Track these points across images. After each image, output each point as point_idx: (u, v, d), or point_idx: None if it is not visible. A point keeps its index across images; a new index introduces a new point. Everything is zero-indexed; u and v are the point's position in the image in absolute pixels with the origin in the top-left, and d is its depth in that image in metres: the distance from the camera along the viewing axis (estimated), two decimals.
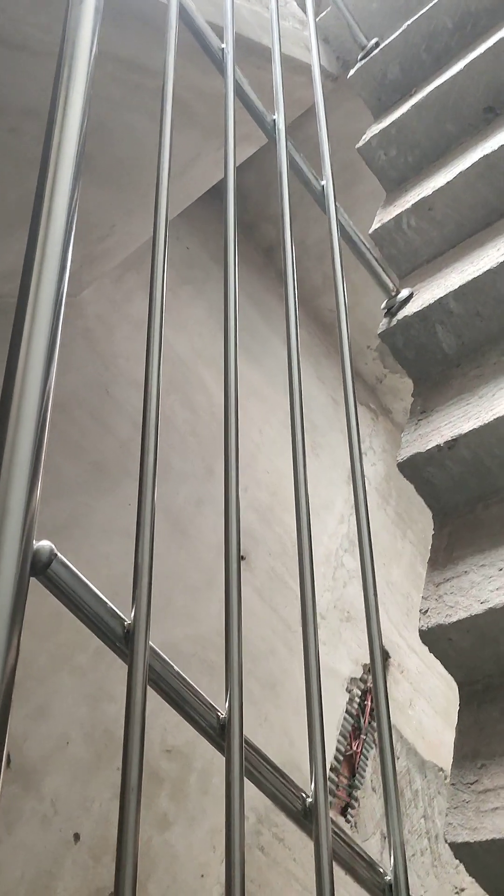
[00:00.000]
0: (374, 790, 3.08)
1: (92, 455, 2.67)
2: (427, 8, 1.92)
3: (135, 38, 1.69)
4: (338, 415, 4.03)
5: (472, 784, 1.12)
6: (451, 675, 1.30)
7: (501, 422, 1.29)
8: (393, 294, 1.63)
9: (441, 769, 3.47)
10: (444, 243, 1.69)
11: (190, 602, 2.74)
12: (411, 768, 3.29)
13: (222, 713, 0.83)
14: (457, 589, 1.28)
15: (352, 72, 2.07)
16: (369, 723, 3.24)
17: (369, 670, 3.39)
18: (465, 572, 1.30)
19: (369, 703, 3.28)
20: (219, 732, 0.82)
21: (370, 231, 1.77)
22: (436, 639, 1.26)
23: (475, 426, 1.33)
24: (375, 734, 3.24)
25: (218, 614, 2.83)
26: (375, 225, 1.75)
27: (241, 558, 2.80)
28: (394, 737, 3.34)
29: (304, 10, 2.26)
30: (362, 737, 3.17)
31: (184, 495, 2.93)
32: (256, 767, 0.89)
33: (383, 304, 1.66)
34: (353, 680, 3.26)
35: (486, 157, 1.58)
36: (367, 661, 3.39)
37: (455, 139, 1.80)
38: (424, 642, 1.29)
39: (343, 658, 3.25)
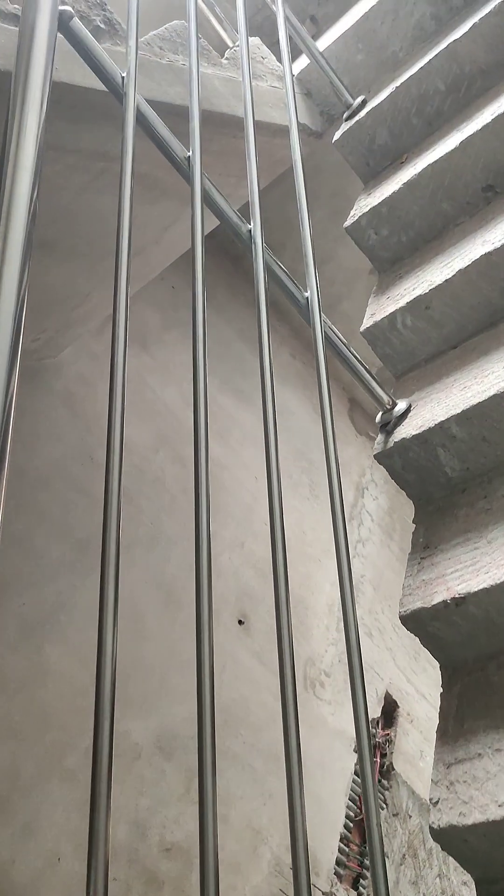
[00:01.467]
0: (388, 856, 2.97)
1: (77, 532, 2.53)
2: (416, 69, 1.76)
3: (96, 130, 1.53)
4: (339, 447, 3.87)
5: None
6: (467, 871, 1.16)
7: None
8: (388, 407, 1.48)
9: None
10: (444, 343, 1.54)
11: (187, 679, 2.61)
12: (424, 826, 3.17)
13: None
14: (470, 778, 1.14)
15: (337, 135, 1.91)
16: (379, 781, 3.12)
17: (378, 723, 3.27)
18: (479, 755, 1.16)
19: (378, 760, 3.16)
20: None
21: (361, 329, 1.62)
22: (449, 839, 1.13)
23: (487, 585, 1.19)
24: (386, 793, 3.12)
25: (218, 687, 2.71)
26: (367, 323, 1.60)
27: (239, 623, 2.61)
28: (405, 793, 3.23)
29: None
30: None
31: (175, 561, 2.79)
32: None
33: (378, 418, 1.51)
34: None
35: (487, 255, 1.42)
36: (377, 715, 3.27)
37: (452, 219, 1.64)
38: (436, 840, 1.15)
39: (350, 715, 3.12)
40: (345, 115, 1.95)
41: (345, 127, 1.90)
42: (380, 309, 1.60)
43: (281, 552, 1.05)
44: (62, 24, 1.19)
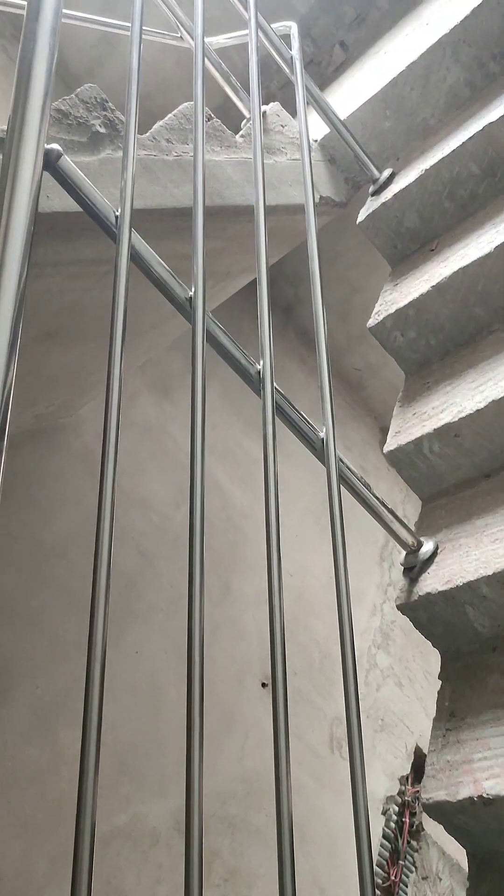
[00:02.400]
0: None
1: None
2: (448, 151, 1.60)
3: (96, 243, 1.42)
4: (370, 482, 3.74)
5: None
6: None
7: None
8: (413, 548, 1.36)
9: None
10: (475, 471, 1.40)
11: (208, 752, 2.52)
12: (455, 888, 3.08)
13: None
14: None
15: (361, 216, 1.77)
16: (408, 842, 3.03)
17: (408, 779, 3.16)
18: None
19: (407, 820, 3.06)
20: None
21: (385, 450, 1.49)
22: None
23: None
24: (416, 854, 3.03)
25: (238, 758, 2.62)
26: (391, 444, 1.47)
27: (263, 686, 2.49)
28: (434, 854, 3.13)
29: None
30: (401, 862, 2.95)
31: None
32: None
33: (402, 559, 1.38)
34: (389, 798, 3.03)
35: None
36: (405, 773, 3.16)
37: (486, 326, 1.49)
38: None
39: (378, 775, 3.03)
40: (371, 190, 1.81)
41: (370, 207, 1.76)
42: (405, 427, 1.47)
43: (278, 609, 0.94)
44: (49, 163, 1.08)
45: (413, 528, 1.42)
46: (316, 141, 1.90)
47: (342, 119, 1.86)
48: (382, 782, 3.04)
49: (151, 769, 2.35)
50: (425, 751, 3.31)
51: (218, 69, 1.75)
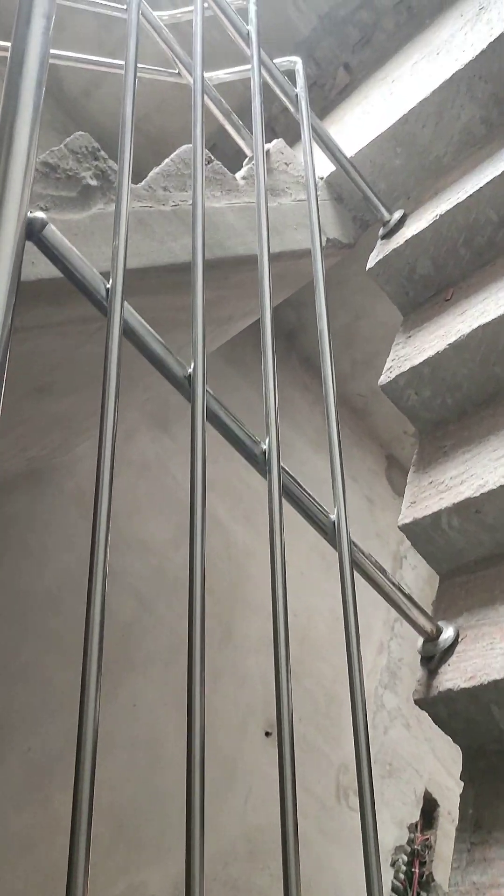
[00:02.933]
0: None
1: None
2: (464, 197, 1.50)
3: (87, 303, 1.31)
4: (372, 515, 3.64)
5: None
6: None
7: None
8: (431, 636, 1.25)
9: None
10: (499, 547, 1.30)
11: (211, 808, 2.41)
12: None
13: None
14: None
15: (371, 262, 1.66)
16: (419, 894, 2.91)
17: (417, 826, 3.05)
18: None
19: (417, 870, 2.94)
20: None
21: (399, 523, 1.38)
22: None
23: None
24: None
25: (241, 815, 2.51)
26: (406, 516, 1.36)
27: (266, 734, 2.36)
28: None
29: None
30: None
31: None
32: None
33: (419, 646, 1.27)
34: (398, 848, 2.92)
35: None
36: (415, 820, 3.05)
37: None
38: None
39: (386, 824, 2.91)
40: (381, 233, 1.70)
41: (380, 252, 1.65)
42: (421, 498, 1.36)
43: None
44: (32, 233, 0.97)
45: (430, 611, 1.31)
46: (322, 178, 1.79)
47: (350, 157, 1.76)
48: (391, 831, 2.92)
49: (151, 831, 2.24)
50: (434, 795, 3.20)
51: (218, 106, 1.65)
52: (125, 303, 1.02)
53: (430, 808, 3.14)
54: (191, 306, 1.05)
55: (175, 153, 1.47)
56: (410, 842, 2.98)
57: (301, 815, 2.57)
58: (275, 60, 1.64)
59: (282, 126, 3.05)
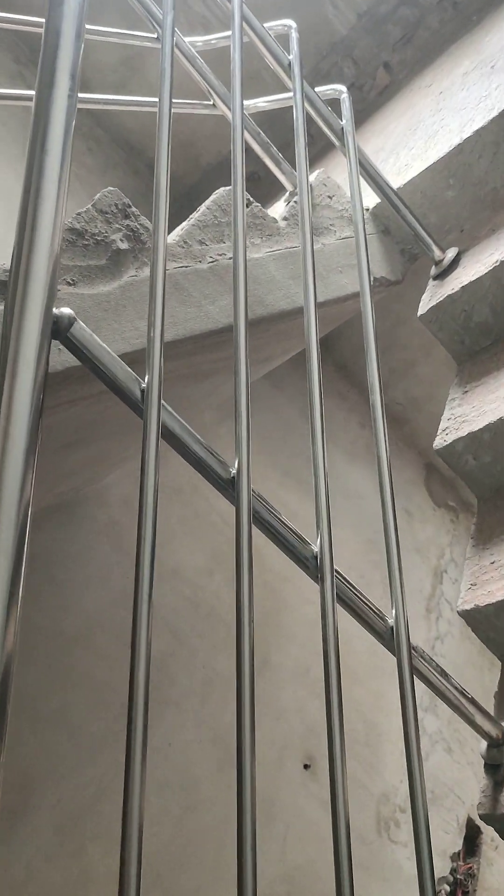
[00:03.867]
0: None
1: (122, 694, 2.26)
2: None
3: None
4: (411, 528, 3.52)
5: None
6: None
7: None
8: (498, 741, 1.14)
9: None
10: None
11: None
12: None
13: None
14: None
15: (422, 308, 1.54)
16: None
17: (459, 855, 2.96)
18: None
19: None
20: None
21: (458, 608, 1.27)
22: None
23: None
24: None
25: (280, 855, 2.44)
26: (467, 604, 1.25)
27: (305, 767, 2.26)
28: None
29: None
30: None
31: (233, 708, 2.50)
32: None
33: (482, 749, 1.17)
34: (440, 879, 2.84)
35: None
36: (458, 849, 2.96)
37: None
38: None
39: None
40: (433, 273, 1.57)
41: (433, 297, 1.53)
42: (483, 580, 1.25)
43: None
44: (59, 332, 0.87)
45: (494, 714, 1.21)
46: (368, 210, 1.66)
47: (399, 185, 1.63)
48: (434, 861, 2.84)
49: (187, 880, 2.17)
50: (477, 822, 3.11)
51: (256, 139, 1.52)
52: (163, 404, 0.92)
53: (472, 835, 3.05)
54: (234, 413, 0.94)
55: (211, 198, 1.36)
56: (453, 871, 2.90)
57: None
58: (317, 89, 1.51)
59: (319, 144, 2.91)
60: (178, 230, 1.30)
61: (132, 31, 1.47)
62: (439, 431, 1.41)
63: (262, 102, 1.59)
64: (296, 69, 1.38)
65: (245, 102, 1.58)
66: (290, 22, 1.45)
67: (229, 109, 1.50)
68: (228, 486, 0.96)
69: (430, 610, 3.39)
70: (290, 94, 1.43)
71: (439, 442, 1.38)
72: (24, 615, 2.22)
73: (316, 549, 1.02)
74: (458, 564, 3.64)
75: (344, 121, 1.47)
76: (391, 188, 1.54)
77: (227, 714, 2.48)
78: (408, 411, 3.65)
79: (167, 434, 0.94)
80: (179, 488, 2.72)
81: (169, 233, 1.33)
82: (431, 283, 1.57)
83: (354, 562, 3.10)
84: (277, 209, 1.60)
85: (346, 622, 2.80)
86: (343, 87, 1.52)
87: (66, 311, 0.87)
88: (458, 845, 2.96)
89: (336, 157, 2.44)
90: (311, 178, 1.60)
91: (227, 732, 2.45)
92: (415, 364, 3.46)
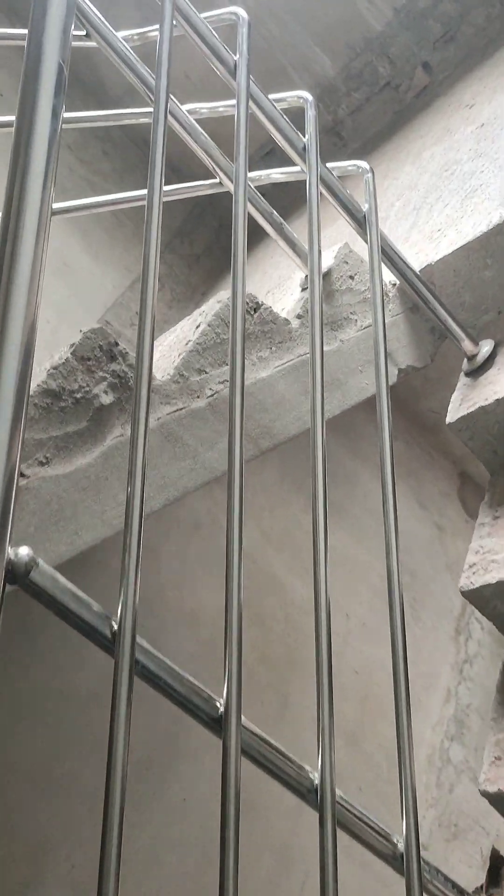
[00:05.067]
0: None
1: (138, 751, 2.20)
2: None
3: None
4: (443, 546, 3.39)
5: None
6: None
7: None
8: None
9: None
10: None
11: None
12: None
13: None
14: None
15: (452, 419, 1.38)
16: None
17: (482, 888, 2.91)
18: None
19: None
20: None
21: (482, 789, 1.16)
22: None
23: None
24: None
25: None
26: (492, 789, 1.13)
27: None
28: None
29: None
30: None
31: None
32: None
33: None
34: None
35: None
36: (482, 882, 2.91)
37: None
38: None
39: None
40: (465, 369, 1.42)
41: (464, 400, 1.37)
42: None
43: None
44: (17, 578, 0.76)
45: None
46: (394, 286, 1.49)
47: (431, 263, 1.45)
48: None
49: None
50: (501, 851, 3.06)
51: (268, 219, 1.35)
52: (139, 642, 0.80)
53: (496, 864, 2.99)
54: (225, 651, 0.82)
55: (213, 311, 1.21)
56: None
57: (360, 895, 2.45)
58: (336, 165, 1.34)
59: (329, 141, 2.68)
60: (174, 356, 1.16)
61: (129, 110, 1.31)
62: (467, 566, 1.27)
63: (276, 174, 1.41)
64: (312, 157, 1.20)
65: (252, 174, 1.41)
66: (307, 95, 1.26)
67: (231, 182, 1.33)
68: (216, 725, 0.85)
69: (459, 631, 3.28)
70: (304, 172, 1.26)
71: (466, 583, 1.24)
72: (36, 675, 2.14)
73: (316, 779, 0.91)
74: None
75: (366, 208, 1.29)
76: (418, 276, 1.37)
77: (246, 762, 2.41)
78: (441, 419, 3.47)
79: (146, 674, 0.82)
80: (198, 524, 2.62)
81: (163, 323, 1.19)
82: (463, 379, 1.41)
83: (381, 585, 2.98)
84: (290, 294, 1.45)
85: (371, 650, 2.68)
86: (366, 165, 1.33)
87: (24, 553, 0.76)
88: (480, 879, 2.91)
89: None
90: (330, 257, 1.43)
91: (247, 781, 2.39)
92: (451, 373, 3.27)
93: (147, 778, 2.18)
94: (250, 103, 1.17)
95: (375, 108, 2.60)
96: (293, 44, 2.50)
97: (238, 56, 1.16)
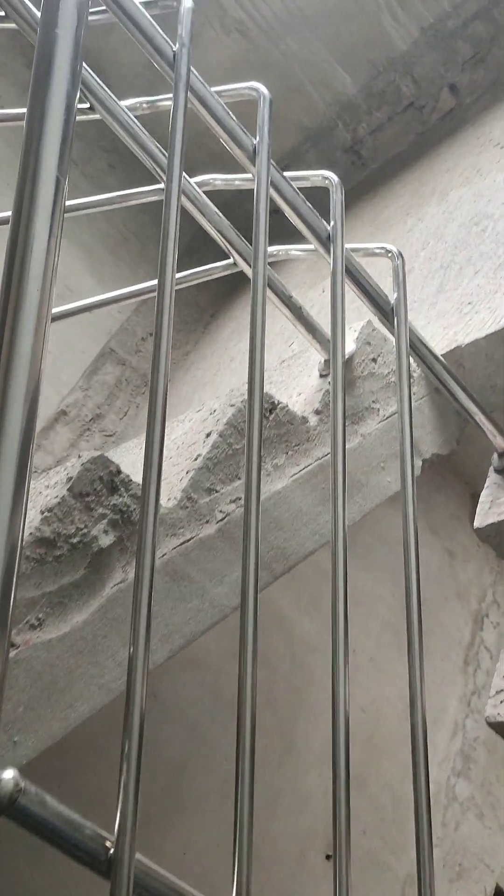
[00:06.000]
0: None
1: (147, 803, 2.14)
2: None
3: None
4: (453, 573, 3.30)
5: None
6: None
7: None
8: None
9: None
10: None
11: None
12: None
13: None
14: None
15: (480, 524, 1.28)
16: None
17: None
18: None
19: None
20: None
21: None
22: None
23: None
24: None
25: None
26: None
27: (327, 858, 2.14)
28: None
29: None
30: None
31: (258, 801, 2.38)
32: None
33: None
34: None
35: None
36: None
37: None
38: None
39: None
40: (496, 465, 1.31)
41: (494, 502, 1.27)
42: None
43: None
44: (2, 807, 0.67)
45: None
46: (416, 369, 1.39)
47: (461, 345, 1.35)
48: None
49: None
50: None
51: (287, 303, 1.24)
52: (139, 862, 0.72)
53: None
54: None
55: (225, 415, 1.11)
56: None
57: None
58: (361, 248, 1.22)
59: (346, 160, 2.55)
60: (181, 473, 1.06)
61: (137, 189, 1.20)
62: (494, 691, 1.18)
63: (295, 251, 1.30)
64: (338, 248, 1.09)
65: (270, 249, 1.29)
66: (332, 176, 1.15)
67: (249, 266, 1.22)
68: None
69: (468, 662, 3.20)
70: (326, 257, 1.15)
71: (493, 713, 1.15)
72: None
73: None
74: (499, 606, 3.43)
75: (393, 300, 1.18)
76: (449, 371, 1.27)
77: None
78: None
79: None
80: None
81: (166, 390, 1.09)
82: (493, 476, 1.31)
83: (389, 618, 2.91)
84: (307, 374, 1.34)
85: (379, 687, 2.61)
86: (395, 250, 1.21)
87: (9, 778, 0.67)
88: None
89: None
90: (352, 339, 1.32)
91: None
92: None
93: None
94: (271, 190, 1.06)
95: (397, 129, 2.46)
96: (312, 60, 2.36)
97: (258, 140, 1.05)
